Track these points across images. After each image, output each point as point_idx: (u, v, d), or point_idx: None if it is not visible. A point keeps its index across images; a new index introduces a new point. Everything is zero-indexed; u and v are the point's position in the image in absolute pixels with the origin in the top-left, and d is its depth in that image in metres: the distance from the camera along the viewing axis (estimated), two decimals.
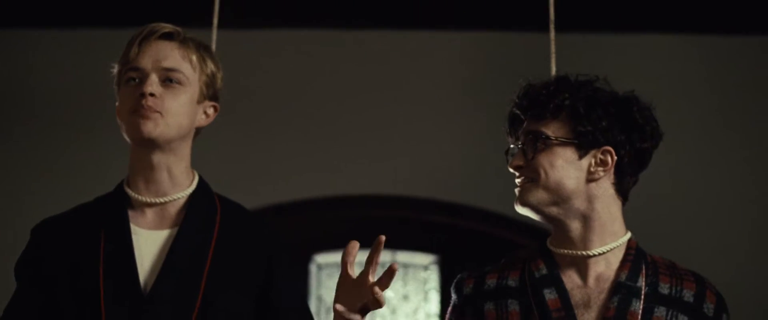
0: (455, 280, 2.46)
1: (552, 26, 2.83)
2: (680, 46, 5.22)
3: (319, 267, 6.51)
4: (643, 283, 2.33)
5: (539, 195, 2.33)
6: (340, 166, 5.26)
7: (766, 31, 5.10)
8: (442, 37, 5.31)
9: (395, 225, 5.38)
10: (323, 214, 5.33)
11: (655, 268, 2.38)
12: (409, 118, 5.28)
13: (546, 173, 2.33)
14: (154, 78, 2.40)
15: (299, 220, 5.27)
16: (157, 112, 2.38)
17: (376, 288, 2.17)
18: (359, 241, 2.24)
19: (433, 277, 6.47)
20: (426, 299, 6.50)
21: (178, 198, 2.45)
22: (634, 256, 2.36)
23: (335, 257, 6.17)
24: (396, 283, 6.31)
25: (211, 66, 2.48)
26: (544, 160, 2.33)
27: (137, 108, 2.38)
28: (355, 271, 2.23)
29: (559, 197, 2.33)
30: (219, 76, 2.50)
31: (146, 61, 2.41)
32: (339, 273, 2.26)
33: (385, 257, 5.79)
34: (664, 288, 2.34)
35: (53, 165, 5.16)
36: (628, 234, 2.39)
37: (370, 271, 2.20)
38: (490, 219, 5.21)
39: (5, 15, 5.07)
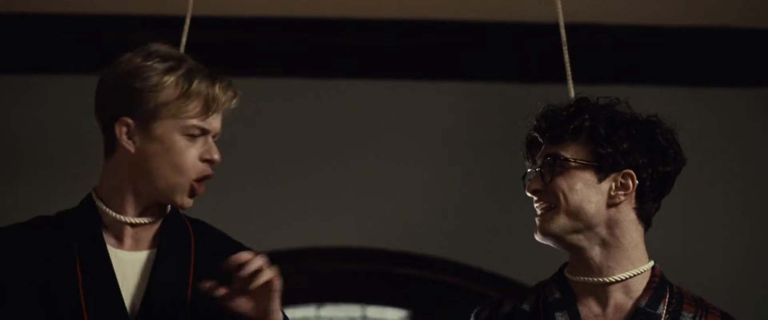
0: (473, 312, 2.44)
1: (565, 53, 2.73)
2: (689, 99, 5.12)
3: None
4: (664, 311, 2.27)
5: (561, 223, 2.28)
6: (307, 218, 5.13)
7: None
8: (418, 88, 5.23)
9: (365, 279, 5.25)
10: (289, 267, 5.19)
11: (680, 298, 2.31)
12: (380, 169, 5.18)
13: (565, 197, 2.27)
14: (212, 142, 2.38)
15: None
16: None
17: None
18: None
19: None
20: None
21: (156, 220, 2.38)
22: (657, 284, 2.29)
23: (301, 312, 6.13)
24: None
25: None
26: (562, 183, 2.27)
27: (203, 177, 2.37)
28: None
29: (582, 223, 2.27)
30: None
31: (216, 125, 2.39)
32: None
33: (355, 312, 5.72)
34: (687, 317, 2.27)
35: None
36: (651, 262, 2.32)
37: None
38: (463, 272, 5.13)
39: None
